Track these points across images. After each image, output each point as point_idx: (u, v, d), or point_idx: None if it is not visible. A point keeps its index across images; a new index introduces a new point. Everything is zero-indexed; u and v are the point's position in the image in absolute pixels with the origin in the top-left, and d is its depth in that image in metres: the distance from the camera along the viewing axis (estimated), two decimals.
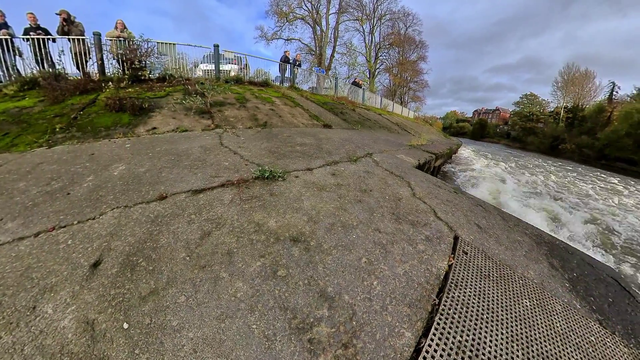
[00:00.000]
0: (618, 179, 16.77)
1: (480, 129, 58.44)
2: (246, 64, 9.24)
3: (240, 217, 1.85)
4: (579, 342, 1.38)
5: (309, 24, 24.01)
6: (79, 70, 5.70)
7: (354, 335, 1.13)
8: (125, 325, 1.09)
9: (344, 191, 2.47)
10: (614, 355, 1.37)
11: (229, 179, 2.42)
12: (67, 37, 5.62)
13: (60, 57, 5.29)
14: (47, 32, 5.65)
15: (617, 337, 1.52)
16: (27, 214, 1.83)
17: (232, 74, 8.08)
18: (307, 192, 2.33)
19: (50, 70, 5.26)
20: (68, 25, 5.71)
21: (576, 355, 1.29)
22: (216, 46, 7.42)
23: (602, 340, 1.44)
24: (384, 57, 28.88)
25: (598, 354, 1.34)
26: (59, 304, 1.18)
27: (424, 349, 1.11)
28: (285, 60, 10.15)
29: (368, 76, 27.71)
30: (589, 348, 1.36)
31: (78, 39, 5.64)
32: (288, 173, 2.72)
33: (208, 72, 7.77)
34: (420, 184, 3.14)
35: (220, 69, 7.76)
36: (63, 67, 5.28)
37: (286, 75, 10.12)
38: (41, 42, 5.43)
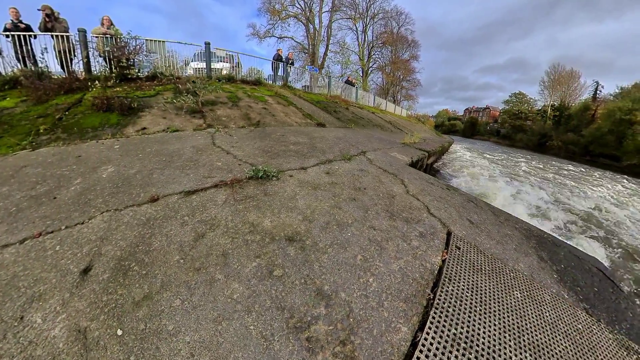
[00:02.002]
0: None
1: (471, 127, 59.60)
2: (238, 62, 9.11)
3: (235, 218, 1.83)
4: (567, 330, 1.43)
5: (302, 22, 23.82)
6: (64, 69, 5.49)
7: (352, 332, 1.14)
8: (119, 332, 1.07)
9: (338, 190, 2.48)
10: (600, 342, 1.43)
11: (223, 179, 2.39)
12: (50, 33, 5.40)
13: (43, 54, 5.08)
14: (29, 29, 5.41)
15: (603, 324, 1.59)
16: (11, 220, 1.76)
17: (224, 72, 7.96)
18: (301, 191, 2.33)
19: (33, 68, 5.05)
20: (51, 22, 5.48)
21: (565, 343, 1.34)
22: (207, 44, 7.28)
23: (588, 328, 1.51)
24: (377, 56, 28.99)
25: (585, 341, 1.40)
26: (49, 312, 1.14)
27: (420, 343, 1.14)
28: (278, 58, 10.06)
29: (361, 75, 27.76)
30: (576, 336, 1.41)
31: (62, 36, 5.42)
32: (282, 172, 2.71)
33: (199, 71, 7.62)
34: (414, 182, 3.18)
35: (212, 67, 7.62)
36: (46, 66, 5.07)
37: (279, 73, 10.04)
38: (22, 39, 5.20)
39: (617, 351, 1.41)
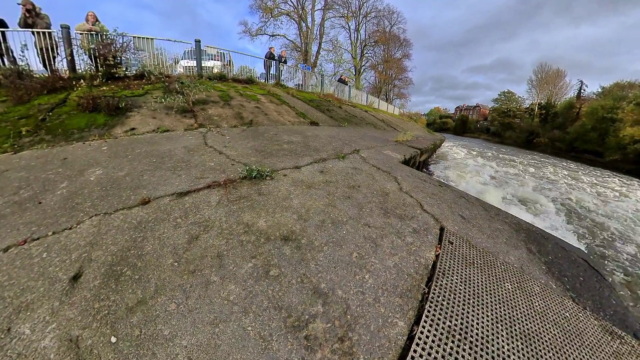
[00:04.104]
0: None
1: (462, 125, 60.86)
2: (230, 61, 8.97)
3: (229, 219, 1.81)
4: (556, 318, 1.49)
5: (294, 20, 23.60)
6: (46, 68, 5.27)
7: (349, 329, 1.15)
8: (113, 339, 1.04)
9: (332, 188, 2.49)
10: (586, 328, 1.50)
11: (216, 179, 2.36)
12: (30, 30, 5.15)
13: (23, 52, 4.85)
14: (3, 24, 5.14)
15: (588, 312, 1.66)
16: None
17: (215, 70, 7.82)
18: (295, 191, 2.33)
19: (12, 67, 4.82)
20: (32, 18, 5.23)
21: (554, 331, 1.40)
22: (198, 41, 7.13)
23: (575, 316, 1.57)
24: (370, 55, 29.10)
25: (572, 328, 1.46)
26: (38, 322, 1.10)
27: (416, 336, 1.16)
28: (270, 56, 9.96)
29: (354, 73, 27.80)
30: (564, 323, 1.47)
31: (44, 33, 5.18)
32: (276, 172, 2.69)
33: (189, 69, 7.46)
34: (407, 179, 3.23)
35: (203, 65, 7.47)
36: (27, 64, 4.85)
37: (271, 72, 9.94)
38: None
39: (602, 336, 1.47)
